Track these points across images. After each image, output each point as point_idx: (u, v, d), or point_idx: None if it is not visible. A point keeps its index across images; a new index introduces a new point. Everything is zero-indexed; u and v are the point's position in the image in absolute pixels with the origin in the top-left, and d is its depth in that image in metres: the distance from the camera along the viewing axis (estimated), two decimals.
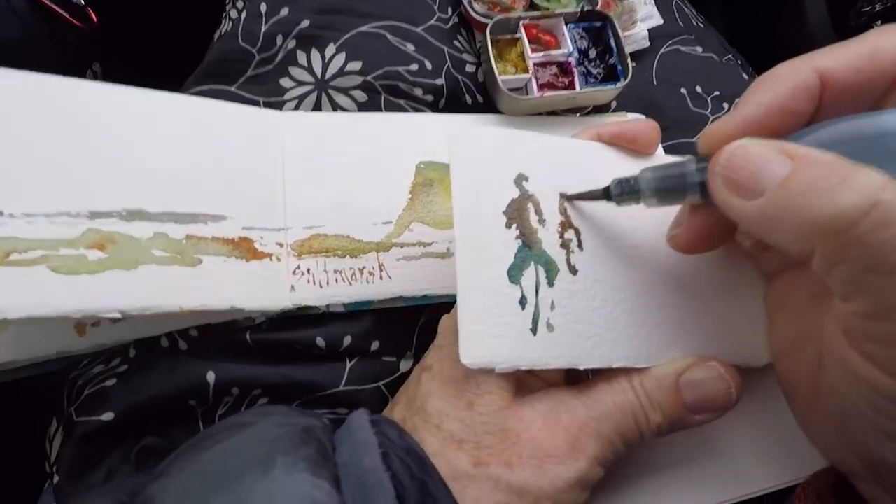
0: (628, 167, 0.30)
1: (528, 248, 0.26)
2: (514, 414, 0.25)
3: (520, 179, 0.27)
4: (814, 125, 0.22)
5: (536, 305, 0.26)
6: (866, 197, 0.17)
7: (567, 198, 0.28)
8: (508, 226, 0.26)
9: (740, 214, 0.21)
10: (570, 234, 0.27)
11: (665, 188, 0.24)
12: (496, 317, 0.25)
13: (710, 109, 0.46)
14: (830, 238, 0.18)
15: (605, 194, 0.26)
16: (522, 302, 0.26)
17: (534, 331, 0.25)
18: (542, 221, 0.27)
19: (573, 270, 0.27)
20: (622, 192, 0.26)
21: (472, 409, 0.25)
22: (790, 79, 0.23)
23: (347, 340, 0.34)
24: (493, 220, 0.26)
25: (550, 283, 0.26)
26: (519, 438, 0.24)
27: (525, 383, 0.27)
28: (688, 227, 0.25)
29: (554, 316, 0.26)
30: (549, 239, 0.27)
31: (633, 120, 0.31)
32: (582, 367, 0.26)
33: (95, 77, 0.54)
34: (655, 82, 0.46)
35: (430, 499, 0.22)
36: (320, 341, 0.34)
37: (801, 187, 0.19)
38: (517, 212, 0.27)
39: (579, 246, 0.27)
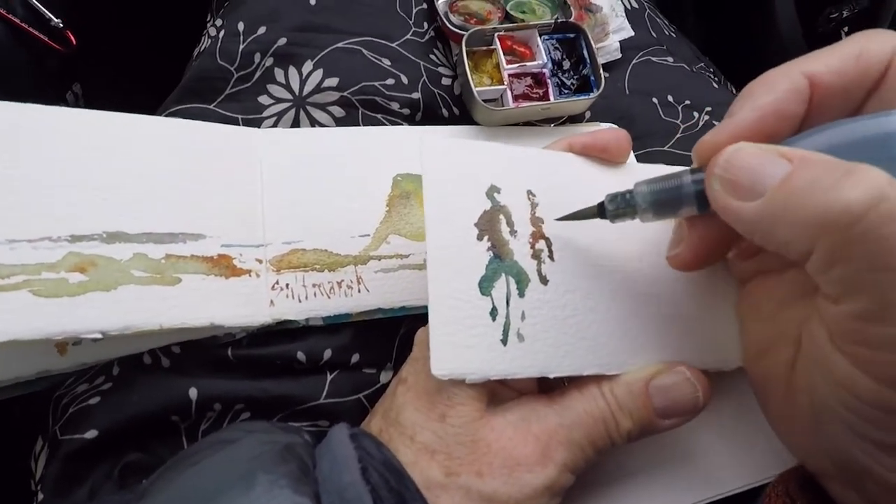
0: (600, 176, 0.31)
1: (500, 260, 0.27)
2: (485, 424, 0.25)
3: (492, 191, 0.28)
4: (808, 130, 0.22)
5: (507, 316, 0.26)
6: (872, 191, 0.17)
7: (559, 220, 0.28)
8: (480, 238, 0.27)
9: (739, 216, 0.21)
10: (541, 244, 0.28)
11: (661, 201, 0.24)
12: (467, 328, 0.25)
13: (680, 118, 0.47)
14: (833, 234, 0.18)
15: (600, 212, 0.26)
16: (493, 313, 0.26)
17: (504, 341, 0.26)
18: (513, 233, 0.28)
19: (544, 281, 0.27)
20: (617, 207, 0.26)
21: (445, 421, 0.25)
22: (781, 83, 0.23)
23: (328, 354, 0.35)
24: (465, 232, 0.27)
25: (521, 294, 0.27)
26: (490, 448, 0.25)
27: (497, 393, 0.27)
28: (688, 244, 0.26)
29: (524, 326, 0.26)
30: (520, 250, 0.27)
31: (603, 129, 0.32)
32: (552, 376, 0.26)
33: (76, 98, 0.55)
34: (628, 92, 0.47)
35: None
36: (301, 355, 0.34)
37: (803, 185, 0.19)
38: (489, 224, 0.27)
39: (550, 256, 0.28)
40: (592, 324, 0.28)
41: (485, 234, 0.27)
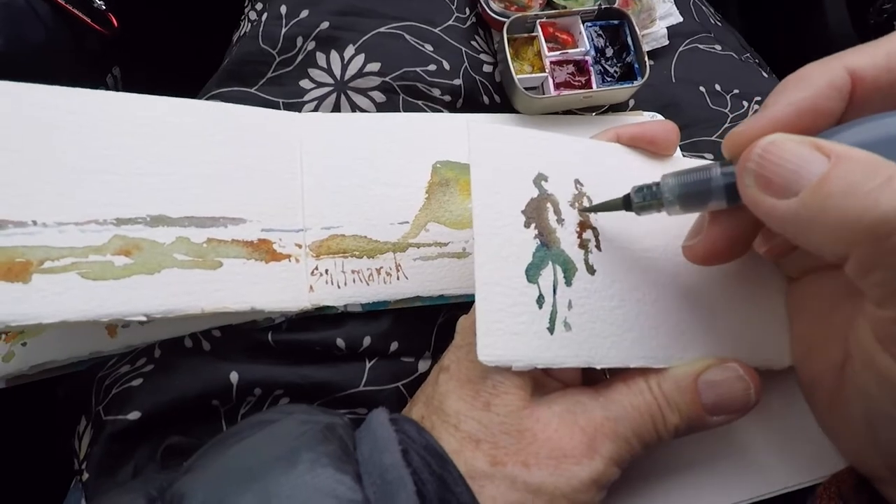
0: (647, 168, 0.31)
1: (547, 248, 0.27)
2: (530, 414, 0.25)
3: (539, 179, 0.28)
4: (847, 122, 0.21)
5: (554, 304, 0.26)
6: None
7: (585, 210, 0.28)
8: (527, 225, 0.27)
9: (771, 214, 0.20)
10: (588, 234, 0.28)
11: (689, 193, 0.24)
12: (514, 315, 0.25)
13: (729, 108, 0.46)
14: (869, 242, 0.18)
15: (625, 203, 0.26)
16: (540, 301, 0.26)
17: (551, 330, 0.25)
18: (560, 221, 0.27)
19: (591, 270, 0.27)
20: (643, 199, 0.25)
21: (490, 409, 0.25)
22: (821, 77, 0.22)
23: (367, 341, 0.35)
24: (512, 219, 0.26)
25: (568, 283, 0.26)
26: (535, 438, 0.24)
27: (542, 383, 0.27)
28: (706, 237, 0.25)
29: (571, 315, 0.26)
30: (567, 239, 0.27)
31: (651, 121, 0.31)
32: (599, 367, 0.26)
33: (115, 81, 0.55)
34: (674, 80, 0.46)
35: (449, 494, 0.23)
36: (340, 342, 0.34)
37: (840, 188, 0.18)
38: (536, 211, 0.27)
39: (597, 246, 0.28)
40: (640, 315, 0.27)
41: (532, 221, 0.27)
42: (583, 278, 0.27)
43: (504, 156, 0.27)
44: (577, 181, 0.28)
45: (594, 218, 0.28)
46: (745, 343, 0.28)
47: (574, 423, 0.25)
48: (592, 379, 0.28)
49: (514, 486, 0.24)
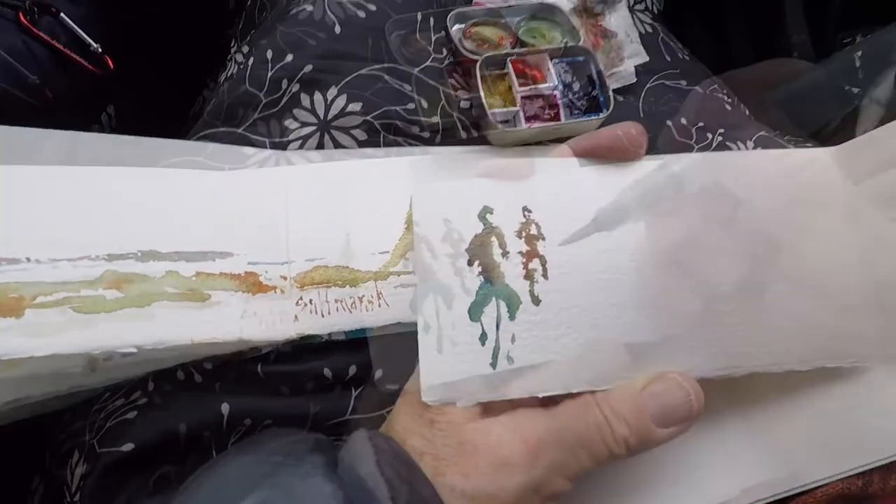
0: (604, 179, 0.30)
1: (490, 284, 0.28)
2: (473, 427, 0.26)
3: (484, 213, 0.29)
4: None
5: (497, 341, 0.27)
6: None
7: None
8: (470, 263, 0.28)
9: None
10: (534, 263, 0.28)
11: None
12: (456, 355, 0.26)
13: (694, 139, 0.48)
14: None
15: None
16: (483, 338, 0.27)
17: (493, 365, 0.27)
18: (505, 254, 0.28)
19: (536, 301, 0.28)
20: None
21: (433, 426, 0.26)
22: None
23: (353, 370, 0.36)
24: (454, 259, 0.28)
25: (512, 317, 0.27)
26: (476, 449, 0.25)
27: (492, 407, 0.27)
28: None
29: (514, 349, 0.27)
30: (511, 271, 0.28)
31: (605, 128, 0.30)
32: (541, 396, 0.27)
33: (110, 119, 0.57)
34: (641, 115, 0.48)
35: (417, 497, 0.24)
36: (327, 371, 0.35)
37: None
38: (480, 248, 0.28)
39: (544, 275, 0.28)
40: (588, 340, 0.28)
41: (475, 259, 0.28)
42: (527, 310, 0.28)
43: (448, 203, 0.28)
44: (524, 208, 0.29)
45: (542, 246, 0.28)
46: (707, 354, 0.28)
47: (517, 432, 0.26)
48: (548, 398, 0.28)
49: (453, 494, 0.25)
